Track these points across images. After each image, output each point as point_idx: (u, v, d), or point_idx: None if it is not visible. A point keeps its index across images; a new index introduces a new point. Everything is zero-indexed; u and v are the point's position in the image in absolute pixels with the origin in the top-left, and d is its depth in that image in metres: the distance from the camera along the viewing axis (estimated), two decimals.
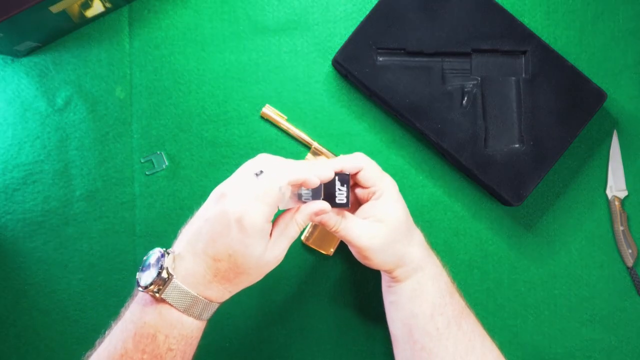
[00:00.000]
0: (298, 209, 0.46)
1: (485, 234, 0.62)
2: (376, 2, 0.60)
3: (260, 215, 0.42)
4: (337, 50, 0.60)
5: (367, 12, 0.60)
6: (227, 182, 0.45)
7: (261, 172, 0.44)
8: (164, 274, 0.41)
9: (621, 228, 0.62)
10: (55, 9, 0.54)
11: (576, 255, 0.62)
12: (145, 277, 0.42)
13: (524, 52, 0.60)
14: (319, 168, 0.46)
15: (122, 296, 0.59)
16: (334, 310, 0.61)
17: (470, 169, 0.59)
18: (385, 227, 0.48)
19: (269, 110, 0.61)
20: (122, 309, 0.46)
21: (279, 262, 0.46)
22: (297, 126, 0.61)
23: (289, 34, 0.63)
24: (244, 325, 0.60)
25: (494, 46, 0.60)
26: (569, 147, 0.60)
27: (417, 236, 0.51)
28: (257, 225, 0.42)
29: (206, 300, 0.43)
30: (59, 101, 0.61)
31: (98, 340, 0.45)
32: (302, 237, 0.60)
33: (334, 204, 0.48)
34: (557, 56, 0.60)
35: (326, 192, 0.48)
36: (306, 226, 0.60)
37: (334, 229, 0.48)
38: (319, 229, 0.60)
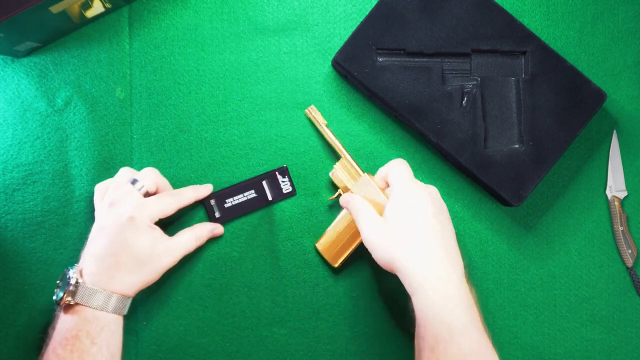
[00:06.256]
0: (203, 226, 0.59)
1: (485, 234, 0.62)
2: (376, 2, 0.60)
3: (146, 216, 0.53)
4: (337, 50, 0.60)
5: (367, 13, 0.60)
6: (110, 193, 0.55)
7: (135, 180, 0.55)
8: (72, 282, 0.49)
9: (621, 228, 0.62)
10: (55, 9, 0.54)
11: (576, 255, 0.62)
12: (57, 292, 0.50)
13: (524, 53, 0.60)
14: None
15: None
16: (333, 310, 0.61)
17: (470, 169, 0.59)
18: (385, 223, 0.49)
19: (312, 111, 0.60)
20: (50, 330, 0.51)
21: (173, 259, 0.55)
22: (334, 134, 0.60)
23: (289, 34, 0.63)
24: (244, 325, 0.60)
25: (494, 46, 0.60)
26: (568, 147, 0.60)
27: (428, 253, 0.47)
28: (144, 221, 0.53)
29: (116, 295, 0.51)
30: (59, 101, 0.61)
31: None
32: (316, 242, 0.60)
33: (282, 196, 0.60)
34: (557, 56, 0.60)
35: (274, 189, 0.60)
36: (324, 231, 0.60)
37: (354, 218, 0.52)
38: (334, 238, 0.59)
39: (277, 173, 0.60)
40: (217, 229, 0.60)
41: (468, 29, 0.60)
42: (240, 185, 0.60)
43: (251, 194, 0.60)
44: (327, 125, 0.59)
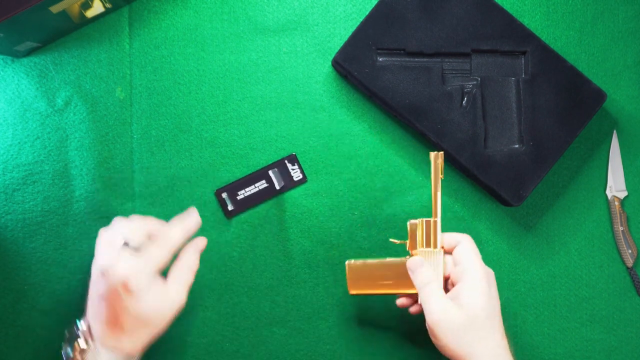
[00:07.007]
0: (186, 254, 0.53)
1: (485, 234, 0.62)
2: (376, 2, 0.60)
3: (142, 279, 0.48)
4: (337, 50, 0.60)
5: (367, 12, 0.60)
6: (99, 257, 0.50)
7: (126, 243, 0.49)
8: (81, 344, 0.49)
9: (621, 228, 0.62)
10: (55, 9, 0.54)
11: (576, 255, 0.62)
12: (67, 349, 0.49)
13: (524, 53, 0.60)
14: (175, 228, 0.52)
15: None
16: (333, 310, 0.61)
17: (470, 169, 0.59)
18: (461, 312, 0.48)
19: (439, 159, 0.53)
20: None
21: (180, 305, 0.50)
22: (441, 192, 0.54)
23: (289, 34, 0.63)
24: (244, 325, 0.60)
25: (494, 46, 0.60)
26: (568, 147, 0.60)
27: (496, 350, 0.48)
28: (140, 285, 0.48)
29: (123, 355, 0.49)
30: (59, 101, 0.61)
31: None
32: (349, 260, 0.55)
33: (293, 184, 0.60)
34: (557, 56, 0.60)
35: (284, 177, 0.60)
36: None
37: (418, 287, 0.51)
38: (371, 273, 0.55)
39: (286, 161, 0.61)
40: (200, 242, 0.55)
41: (468, 29, 0.60)
42: (251, 176, 0.61)
43: (262, 184, 0.61)
44: (442, 180, 0.53)
